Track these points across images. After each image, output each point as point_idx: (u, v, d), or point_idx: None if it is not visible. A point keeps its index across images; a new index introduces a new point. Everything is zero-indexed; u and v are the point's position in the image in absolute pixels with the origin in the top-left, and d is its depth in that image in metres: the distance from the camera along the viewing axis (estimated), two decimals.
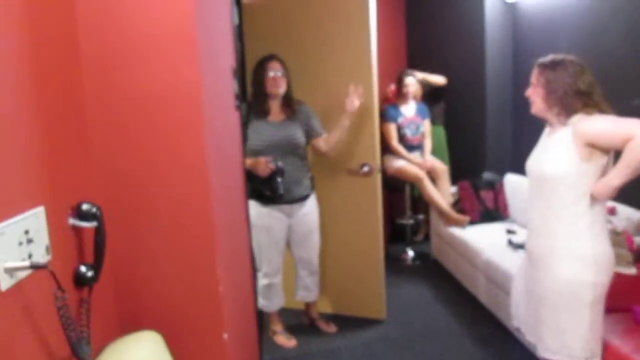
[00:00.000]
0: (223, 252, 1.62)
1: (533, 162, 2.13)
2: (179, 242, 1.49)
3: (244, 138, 2.77)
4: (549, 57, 2.04)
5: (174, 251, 1.49)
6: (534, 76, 2.05)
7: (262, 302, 3.17)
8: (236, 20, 3.36)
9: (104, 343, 1.38)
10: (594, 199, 1.93)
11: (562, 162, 1.95)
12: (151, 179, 1.46)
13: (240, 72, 3.31)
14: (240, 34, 3.34)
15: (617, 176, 1.87)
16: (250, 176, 2.78)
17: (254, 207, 2.94)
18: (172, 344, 1.47)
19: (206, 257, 1.50)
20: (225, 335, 1.55)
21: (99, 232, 1.30)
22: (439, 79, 4.66)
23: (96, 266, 1.30)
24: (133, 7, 1.39)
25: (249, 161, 2.79)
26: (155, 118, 1.43)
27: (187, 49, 1.42)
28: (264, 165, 2.79)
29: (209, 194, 1.48)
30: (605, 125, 1.89)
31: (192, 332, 1.53)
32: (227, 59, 2.33)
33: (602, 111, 1.96)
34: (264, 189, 2.85)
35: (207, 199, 1.48)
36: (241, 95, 2.64)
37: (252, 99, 2.93)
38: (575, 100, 1.96)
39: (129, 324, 1.50)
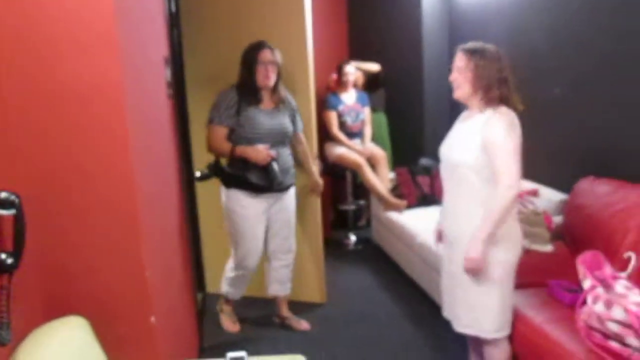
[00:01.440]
0: (150, 238, 1.66)
1: (445, 148, 2.23)
2: (104, 229, 1.52)
3: (237, 125, 2.80)
4: (470, 44, 2.11)
5: (99, 238, 1.51)
6: (461, 60, 2.09)
7: (227, 289, 3.16)
8: (173, 8, 3.35)
9: (28, 329, 1.39)
10: (466, 250, 2.06)
11: (471, 149, 2.06)
12: (75, 169, 1.48)
13: (179, 60, 3.30)
14: (177, 21, 3.33)
15: (482, 230, 2.02)
16: (241, 165, 2.79)
17: (239, 196, 2.88)
18: (99, 328, 1.50)
19: (131, 243, 1.53)
20: (153, 319, 1.59)
21: (18, 220, 1.31)
22: (372, 66, 4.77)
23: (16, 253, 1.31)
24: (49, 2, 1.39)
25: (249, 149, 2.77)
26: (75, 112, 1.44)
27: (107, 44, 1.43)
28: (265, 153, 2.76)
29: (132, 182, 1.51)
30: (498, 147, 2.00)
31: (119, 317, 1.57)
32: (158, 49, 2.34)
33: (513, 103, 2.09)
34: (259, 177, 2.80)
35: (131, 191, 1.51)
36: (174, 84, 2.66)
37: (242, 87, 2.83)
38: (498, 88, 2.06)
39: (55, 310, 1.51)
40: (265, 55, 2.78)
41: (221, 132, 2.78)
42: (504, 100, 2.09)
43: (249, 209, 2.90)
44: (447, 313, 2.33)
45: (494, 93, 2.06)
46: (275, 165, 2.79)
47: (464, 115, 2.27)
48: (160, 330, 1.67)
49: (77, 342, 1.41)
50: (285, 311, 3.25)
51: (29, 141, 1.42)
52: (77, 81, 1.43)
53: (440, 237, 2.39)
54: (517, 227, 2.16)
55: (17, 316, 1.32)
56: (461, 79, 2.10)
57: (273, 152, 2.79)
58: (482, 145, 2.03)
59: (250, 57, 2.79)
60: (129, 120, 1.48)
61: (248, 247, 2.96)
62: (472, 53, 2.08)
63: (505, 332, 2.17)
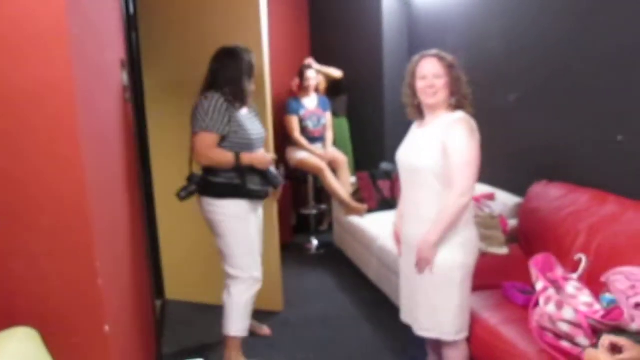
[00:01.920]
0: (104, 244, 1.62)
1: (404, 154, 2.26)
2: (54, 236, 1.47)
3: (230, 132, 2.57)
4: (438, 51, 2.16)
5: (49, 245, 1.47)
6: (438, 68, 2.11)
7: (240, 325, 2.74)
8: (131, 10, 3.29)
9: None
10: (417, 249, 2.14)
11: (432, 154, 2.10)
12: (23, 176, 1.42)
13: (137, 63, 3.25)
14: (135, 23, 3.27)
15: (433, 233, 2.09)
16: (237, 172, 2.60)
17: (238, 206, 2.65)
18: (51, 339, 1.45)
19: (83, 250, 1.48)
20: (107, 328, 1.55)
21: None
22: (334, 72, 4.81)
23: None
24: None
25: (255, 156, 2.63)
26: (25, 115, 1.39)
27: (58, 44, 1.39)
28: (270, 158, 2.70)
29: (84, 190, 1.46)
30: (457, 154, 2.06)
31: (71, 326, 1.52)
32: (114, 51, 2.29)
33: (467, 108, 2.17)
34: (256, 184, 2.65)
35: (82, 194, 1.46)
36: (132, 87, 2.61)
37: (232, 91, 2.61)
38: (464, 97, 2.16)
39: (2, 322, 1.46)
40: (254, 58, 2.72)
41: (213, 139, 2.54)
42: (461, 106, 2.16)
43: (249, 218, 2.71)
44: (406, 317, 2.36)
45: (465, 100, 2.16)
46: (273, 170, 2.74)
47: (416, 124, 2.31)
48: (115, 339, 1.63)
49: (26, 354, 1.36)
50: (253, 322, 3.03)
51: None
52: (27, 79, 1.38)
53: (398, 239, 2.42)
54: (475, 231, 2.21)
55: None
56: (439, 85, 2.12)
57: (273, 157, 2.76)
58: (443, 149, 2.07)
59: (240, 58, 2.63)
60: (80, 119, 1.44)
61: (255, 257, 2.77)
62: (451, 64, 2.13)
63: (465, 333, 2.21)
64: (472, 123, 2.12)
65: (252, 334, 3.11)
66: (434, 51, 2.17)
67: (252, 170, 2.63)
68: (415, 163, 2.16)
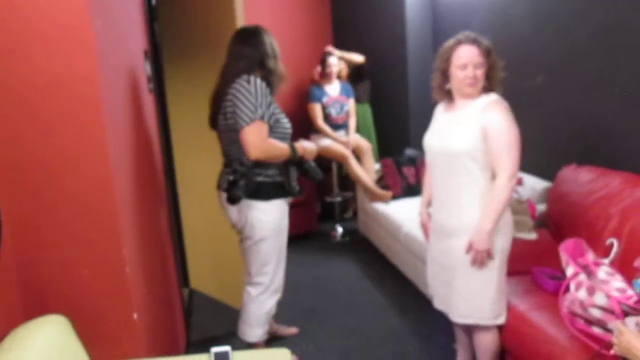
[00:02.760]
0: (131, 233, 1.64)
1: (435, 138, 2.22)
2: (83, 226, 1.49)
3: (274, 122, 2.34)
4: (475, 36, 2.09)
5: (78, 234, 1.49)
6: (479, 56, 2.05)
7: (263, 330, 2.61)
8: (153, 1, 3.31)
9: (7, 329, 1.37)
10: (472, 243, 2.07)
11: (470, 137, 2.06)
12: (53, 167, 1.45)
13: (159, 54, 3.27)
14: (157, 14, 3.29)
15: (487, 221, 2.04)
16: (278, 169, 2.40)
17: (282, 206, 2.47)
18: (81, 326, 1.48)
19: (111, 239, 1.51)
20: (135, 315, 1.57)
21: None
22: (356, 57, 4.76)
23: None
24: None
25: (307, 146, 2.49)
26: (47, 109, 1.41)
27: (82, 39, 1.40)
28: (314, 147, 2.53)
29: (111, 179, 1.49)
30: (500, 136, 2.03)
31: (100, 314, 1.55)
32: (137, 43, 2.31)
33: (498, 90, 2.14)
34: (294, 180, 2.46)
35: (109, 183, 1.49)
36: (155, 77, 2.62)
37: (272, 78, 2.40)
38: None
39: (35, 309, 1.49)
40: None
41: (267, 130, 2.28)
42: (492, 88, 2.13)
43: (285, 219, 2.51)
44: (440, 305, 2.33)
45: (499, 83, 2.13)
46: (312, 162, 2.55)
47: (442, 107, 2.27)
48: (143, 327, 1.65)
49: (58, 341, 1.39)
50: (272, 325, 2.89)
51: (1, 140, 1.39)
52: (50, 78, 1.40)
53: (427, 228, 2.39)
54: (510, 215, 2.19)
55: None
56: (480, 75, 2.07)
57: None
58: (482, 133, 2.04)
59: (276, 45, 2.46)
60: (105, 116, 1.46)
61: (282, 263, 2.59)
62: (489, 51, 2.08)
63: (503, 317, 2.19)
64: (507, 105, 2.09)
65: (277, 337, 3.00)
66: (471, 36, 2.09)
67: (292, 165, 2.45)
68: (451, 147, 2.11)
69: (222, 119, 2.39)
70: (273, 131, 2.33)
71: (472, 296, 2.17)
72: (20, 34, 1.37)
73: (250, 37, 2.41)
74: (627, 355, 1.48)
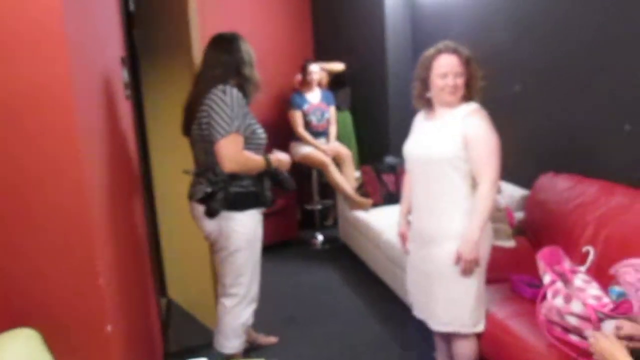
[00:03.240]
0: (105, 243, 1.60)
1: (416, 146, 2.23)
2: (54, 236, 1.45)
3: (250, 133, 2.32)
4: (455, 45, 2.12)
5: (48, 245, 1.45)
6: (459, 66, 2.08)
7: (239, 342, 2.57)
8: (131, 7, 3.27)
9: None
10: (460, 253, 2.08)
11: (451, 145, 2.08)
12: (21, 178, 1.41)
13: (137, 60, 3.23)
14: (136, 21, 3.25)
15: (474, 230, 2.06)
16: (253, 179, 2.36)
17: (256, 217, 2.43)
18: (53, 339, 1.44)
19: (85, 249, 1.47)
20: (109, 328, 1.54)
21: None
22: (337, 66, 4.79)
23: None
24: None
25: (281, 157, 2.47)
26: (21, 117, 1.37)
27: (55, 43, 1.37)
28: (288, 158, 2.52)
29: (83, 189, 1.45)
30: (481, 143, 2.06)
31: (73, 327, 1.51)
32: (114, 49, 2.28)
33: (477, 99, 2.17)
34: (268, 189, 2.43)
35: (82, 193, 1.45)
36: (132, 84, 2.59)
37: (249, 86, 2.38)
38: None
39: (4, 321, 1.45)
40: None
41: (242, 142, 2.27)
42: (471, 96, 2.16)
43: (259, 229, 2.49)
44: (420, 313, 2.33)
45: (477, 92, 2.16)
46: (285, 173, 2.52)
47: (422, 115, 2.28)
48: (117, 339, 1.61)
49: (28, 356, 1.35)
50: (251, 334, 2.89)
51: None
52: (23, 81, 1.36)
53: (405, 238, 2.39)
54: (489, 223, 2.20)
55: None
56: (460, 84, 2.10)
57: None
58: (463, 141, 2.06)
59: (252, 52, 2.43)
60: (79, 121, 1.43)
61: (256, 273, 2.56)
62: (466, 56, 2.11)
63: (482, 325, 2.20)
64: (486, 113, 2.13)
65: (256, 346, 2.96)
66: (451, 45, 2.12)
67: (265, 175, 2.43)
68: (432, 155, 2.13)
69: (196, 129, 2.35)
70: (248, 142, 2.31)
71: (452, 304, 2.17)
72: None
73: (226, 43, 2.38)
74: None
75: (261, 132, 2.40)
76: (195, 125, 2.35)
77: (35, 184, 1.42)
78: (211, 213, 2.32)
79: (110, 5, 2.31)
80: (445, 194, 2.13)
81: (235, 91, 2.25)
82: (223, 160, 2.22)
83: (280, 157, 2.48)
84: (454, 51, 2.10)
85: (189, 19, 2.71)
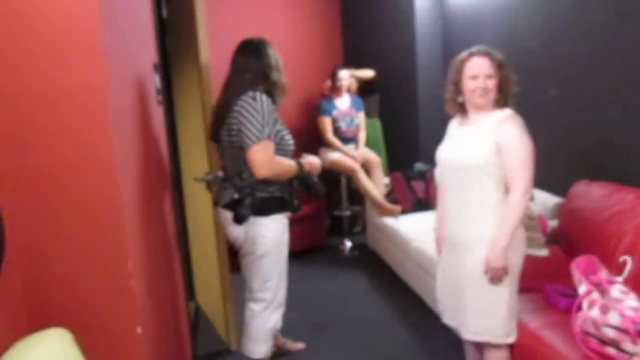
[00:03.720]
0: (136, 246, 1.62)
1: (448, 152, 2.21)
2: (88, 237, 1.48)
3: (279, 139, 2.33)
4: (487, 49, 2.11)
5: (83, 247, 1.48)
6: (490, 68, 2.07)
7: (267, 347, 2.57)
8: (164, 14, 3.33)
9: (10, 342, 1.35)
10: (488, 260, 2.04)
11: (484, 152, 2.05)
12: (58, 178, 1.44)
13: (169, 66, 3.28)
14: (168, 28, 3.31)
15: (502, 237, 2.02)
16: (277, 184, 2.36)
17: (282, 221, 2.44)
18: (84, 340, 1.46)
19: (116, 251, 1.49)
20: (139, 330, 1.55)
21: None
22: (366, 72, 4.79)
23: None
24: (29, 5, 1.36)
25: (313, 160, 2.48)
26: (63, 118, 1.41)
27: (91, 51, 1.40)
28: (319, 162, 2.51)
29: (118, 191, 1.47)
30: (514, 151, 2.02)
31: (104, 328, 1.53)
32: (147, 55, 2.31)
33: (511, 106, 2.14)
34: (291, 195, 2.43)
35: (116, 195, 1.47)
36: (165, 89, 2.62)
37: (277, 93, 2.42)
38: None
39: (38, 322, 1.47)
40: None
41: (273, 149, 2.28)
42: (506, 103, 2.14)
43: (286, 235, 2.49)
44: (450, 321, 2.29)
45: (512, 97, 2.14)
46: (315, 178, 2.50)
47: (456, 122, 2.25)
48: (148, 341, 1.63)
49: (60, 355, 1.37)
50: (279, 339, 2.93)
51: (5, 151, 1.39)
52: (58, 90, 1.40)
53: (442, 244, 2.35)
54: (523, 231, 2.15)
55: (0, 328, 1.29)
56: (491, 86, 2.08)
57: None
58: (496, 147, 2.03)
59: (279, 57, 2.45)
60: (112, 128, 1.45)
61: (284, 278, 2.56)
62: (501, 63, 2.09)
63: (514, 336, 2.15)
64: (521, 120, 2.09)
65: (284, 352, 2.97)
66: (483, 49, 2.11)
67: (296, 179, 2.43)
68: (465, 161, 2.11)
69: (225, 135, 2.37)
70: (277, 149, 2.31)
71: (484, 313, 2.13)
72: (28, 46, 1.37)
73: (254, 49, 2.40)
74: None
75: (289, 139, 2.40)
76: (224, 132, 2.37)
77: (67, 187, 1.45)
78: (239, 219, 2.31)
79: (144, 12, 2.36)
80: (476, 200, 2.11)
81: (265, 97, 2.27)
82: (255, 166, 2.23)
83: (312, 161, 2.48)
84: (486, 54, 2.09)
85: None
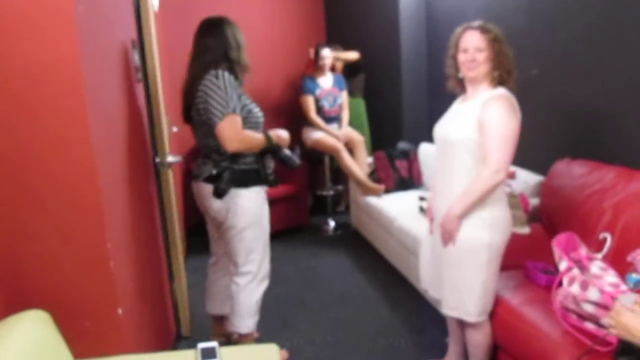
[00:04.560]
0: (115, 226, 1.60)
1: (441, 126, 2.21)
2: (65, 219, 1.45)
3: (246, 113, 2.34)
4: (482, 23, 2.10)
5: (59, 227, 1.45)
6: (484, 41, 2.05)
7: (253, 320, 2.58)
8: None
9: None
10: (442, 221, 2.07)
11: (466, 127, 2.05)
12: (31, 160, 1.40)
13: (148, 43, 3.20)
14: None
15: (457, 205, 2.03)
16: (254, 156, 2.42)
17: (261, 193, 2.48)
18: (64, 321, 1.44)
19: (94, 232, 1.47)
20: (120, 310, 1.54)
21: None
22: (351, 55, 4.74)
23: None
24: None
25: (280, 133, 2.52)
26: (28, 94, 1.37)
27: (63, 23, 1.35)
28: (287, 135, 2.55)
29: (94, 171, 1.45)
30: (492, 130, 2.00)
31: (84, 309, 1.51)
32: (125, 31, 2.25)
33: (510, 84, 2.12)
34: (268, 167, 2.48)
35: (93, 175, 1.45)
36: (142, 68, 2.56)
37: (238, 68, 2.41)
38: (508, 72, 2.10)
39: (17, 304, 1.45)
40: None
41: (240, 121, 2.31)
42: (503, 81, 2.11)
43: (265, 207, 2.53)
44: (435, 294, 2.31)
45: (509, 75, 2.11)
46: (287, 151, 2.56)
47: (459, 99, 2.24)
48: (128, 322, 1.62)
49: (38, 336, 1.35)
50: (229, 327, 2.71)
51: None
52: (32, 63, 1.35)
53: (432, 217, 2.36)
54: (506, 210, 2.14)
55: None
56: (481, 59, 2.06)
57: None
58: (478, 124, 2.02)
59: (240, 35, 2.45)
60: (88, 102, 1.41)
61: (266, 250, 2.59)
62: (495, 38, 2.07)
63: (485, 316, 2.16)
64: (513, 101, 2.06)
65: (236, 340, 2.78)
66: (477, 23, 2.10)
67: (267, 152, 2.47)
68: (449, 136, 2.11)
69: (195, 114, 2.40)
70: (245, 122, 2.34)
71: (457, 289, 2.14)
72: (4, 21, 1.32)
73: (212, 28, 2.41)
74: (626, 335, 1.46)
75: (257, 111, 2.43)
76: (194, 112, 2.39)
77: (44, 166, 1.41)
78: (219, 193, 2.36)
79: None
80: (457, 176, 2.11)
81: (227, 74, 2.30)
82: (225, 141, 2.28)
83: (279, 134, 2.52)
84: (479, 27, 2.08)
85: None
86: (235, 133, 2.29)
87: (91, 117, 1.42)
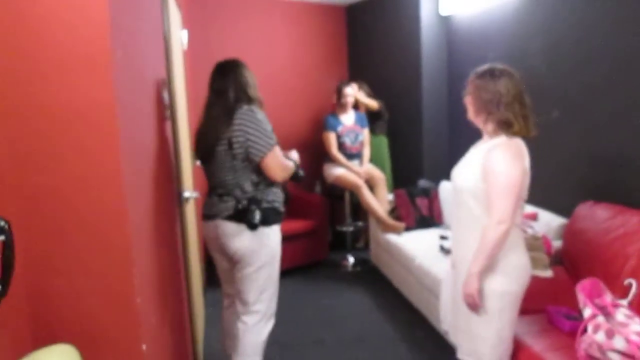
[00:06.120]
0: (143, 263, 1.63)
1: (455, 171, 2.22)
2: (94, 254, 1.48)
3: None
4: (482, 68, 2.06)
5: (89, 264, 1.48)
6: (469, 83, 2.09)
7: None
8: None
9: (14, 358, 1.35)
10: (463, 286, 2.03)
11: (472, 175, 2.04)
12: (65, 193, 1.45)
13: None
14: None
15: (473, 264, 1.98)
16: (272, 191, 2.49)
17: (277, 231, 2.52)
18: (89, 356, 1.46)
19: (123, 269, 1.49)
20: (144, 347, 1.55)
21: (7, 246, 1.28)
22: (372, 103, 4.75)
23: (4, 281, 1.29)
24: (35, 18, 1.37)
25: (295, 159, 2.62)
26: (70, 133, 1.41)
27: (101, 69, 1.41)
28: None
29: (125, 207, 1.48)
30: (495, 179, 1.95)
31: (109, 344, 1.52)
32: (155, 70, 2.33)
33: (521, 128, 2.00)
34: (281, 203, 2.54)
35: (123, 211, 1.48)
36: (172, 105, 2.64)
37: (255, 101, 2.50)
38: (499, 110, 1.98)
39: (43, 338, 1.48)
40: None
41: (281, 152, 2.47)
42: (506, 125, 2.00)
43: (280, 244, 2.57)
44: (452, 337, 2.29)
45: (496, 116, 1.99)
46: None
47: (479, 141, 2.23)
48: (152, 358, 1.63)
49: None
50: None
51: (15, 167, 1.40)
52: (67, 108, 1.40)
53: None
54: (521, 257, 2.06)
55: (4, 344, 1.29)
56: (468, 101, 2.10)
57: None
58: (482, 172, 2.00)
59: (252, 75, 2.57)
60: (121, 145, 1.46)
61: (277, 290, 2.62)
62: (474, 76, 2.06)
63: None
64: (516, 148, 1.98)
65: None
66: (480, 67, 2.09)
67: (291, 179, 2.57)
68: (458, 183, 2.12)
69: (223, 149, 2.40)
70: None
71: (472, 335, 2.10)
72: (38, 63, 1.38)
73: (228, 69, 2.52)
74: None
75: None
76: (222, 147, 2.39)
77: (74, 204, 1.45)
78: (254, 226, 2.39)
79: (152, 28, 2.38)
80: (467, 221, 2.09)
81: (256, 109, 2.41)
82: (275, 172, 2.41)
83: (295, 157, 2.65)
84: (474, 71, 2.09)
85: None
86: (280, 164, 2.43)
87: (123, 161, 1.47)
